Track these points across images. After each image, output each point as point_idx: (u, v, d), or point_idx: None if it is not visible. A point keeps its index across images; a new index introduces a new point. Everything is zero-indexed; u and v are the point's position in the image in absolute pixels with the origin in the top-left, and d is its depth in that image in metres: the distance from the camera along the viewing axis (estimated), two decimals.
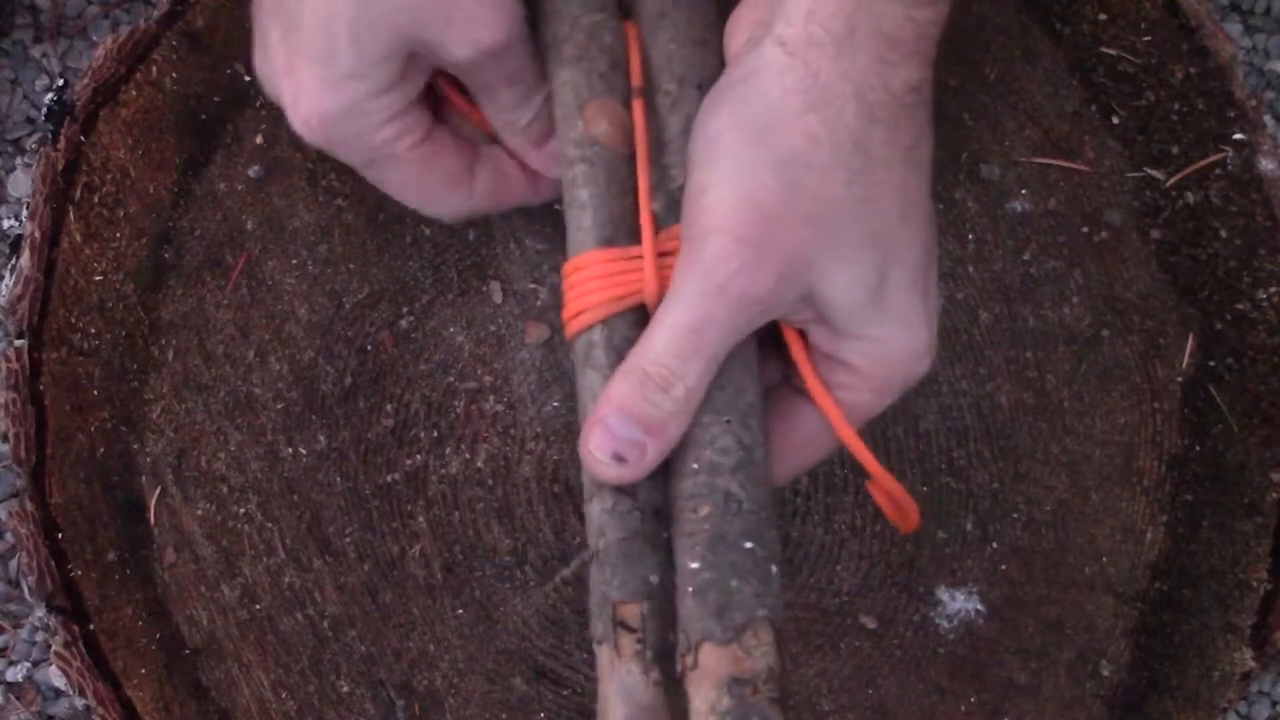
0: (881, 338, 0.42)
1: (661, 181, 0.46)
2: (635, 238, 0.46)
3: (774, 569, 0.43)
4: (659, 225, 0.45)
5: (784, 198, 0.41)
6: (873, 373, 0.43)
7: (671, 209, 0.45)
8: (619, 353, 0.44)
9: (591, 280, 0.45)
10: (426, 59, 0.44)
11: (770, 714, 0.41)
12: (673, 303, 0.42)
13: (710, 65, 0.47)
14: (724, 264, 0.41)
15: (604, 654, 0.43)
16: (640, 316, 0.44)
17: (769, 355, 0.45)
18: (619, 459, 0.42)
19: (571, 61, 0.47)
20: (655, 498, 0.44)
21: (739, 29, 0.46)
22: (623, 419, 0.41)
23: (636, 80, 0.46)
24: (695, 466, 0.43)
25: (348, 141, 0.45)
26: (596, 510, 0.44)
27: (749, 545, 0.43)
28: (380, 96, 0.44)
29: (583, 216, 0.46)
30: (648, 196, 0.45)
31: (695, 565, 0.42)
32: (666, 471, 0.44)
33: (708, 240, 0.41)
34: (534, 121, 0.47)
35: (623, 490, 0.43)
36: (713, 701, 0.41)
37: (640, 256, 0.45)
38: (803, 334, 0.44)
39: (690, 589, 0.42)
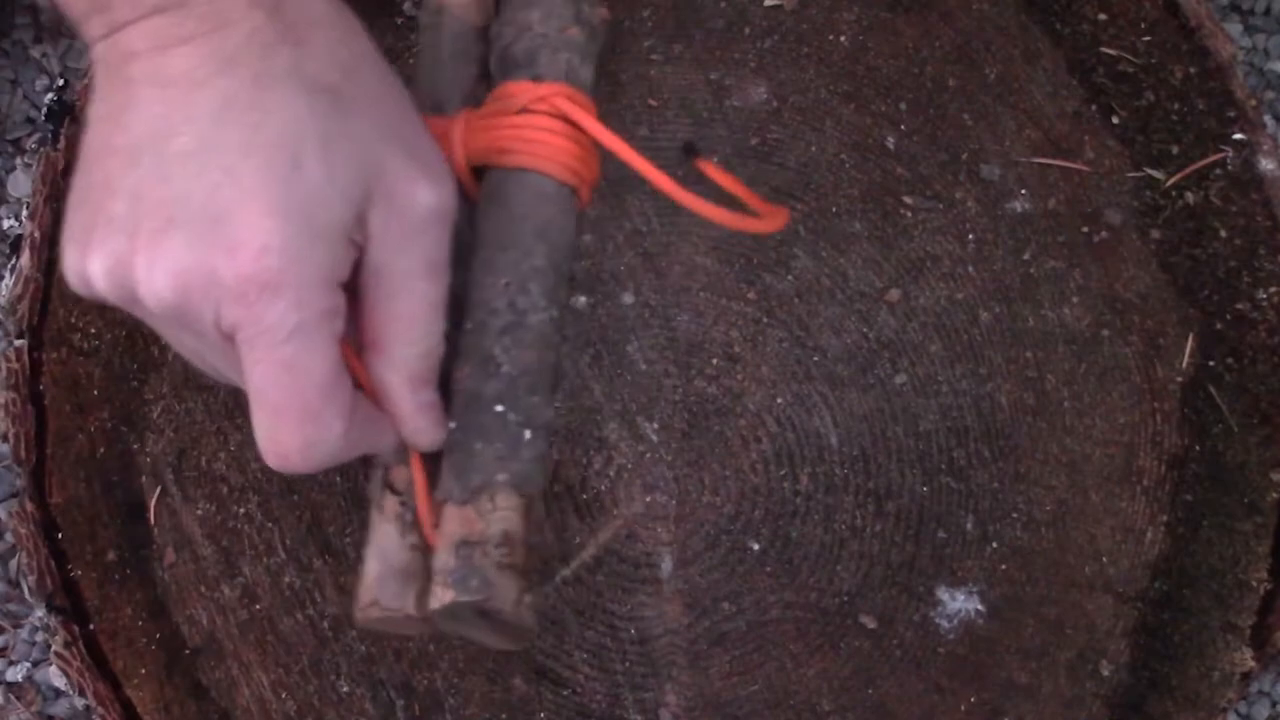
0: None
1: (495, 39, 0.46)
2: (465, 105, 0.46)
3: (527, 434, 0.42)
4: (490, 82, 0.46)
5: None
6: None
7: (500, 67, 0.45)
8: None
9: None
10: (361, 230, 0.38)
11: (494, 578, 0.41)
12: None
13: None
14: None
15: (372, 515, 0.43)
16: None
17: None
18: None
19: None
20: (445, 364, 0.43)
21: None
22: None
23: None
24: (468, 326, 0.43)
25: (295, 289, 0.36)
26: None
27: (499, 409, 0.42)
28: (342, 239, 0.37)
29: (421, 78, 0.46)
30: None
31: (452, 425, 0.42)
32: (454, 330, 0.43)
33: None
34: (425, 356, 0.40)
35: None
36: (443, 562, 0.41)
37: (453, 125, 0.44)
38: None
39: (446, 449, 0.42)
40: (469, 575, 0.40)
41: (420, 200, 0.38)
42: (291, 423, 0.37)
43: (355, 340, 0.41)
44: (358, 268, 0.39)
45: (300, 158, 0.36)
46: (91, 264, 0.37)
